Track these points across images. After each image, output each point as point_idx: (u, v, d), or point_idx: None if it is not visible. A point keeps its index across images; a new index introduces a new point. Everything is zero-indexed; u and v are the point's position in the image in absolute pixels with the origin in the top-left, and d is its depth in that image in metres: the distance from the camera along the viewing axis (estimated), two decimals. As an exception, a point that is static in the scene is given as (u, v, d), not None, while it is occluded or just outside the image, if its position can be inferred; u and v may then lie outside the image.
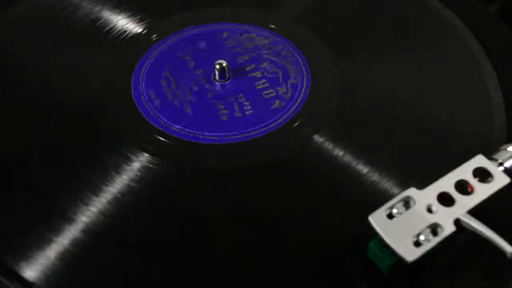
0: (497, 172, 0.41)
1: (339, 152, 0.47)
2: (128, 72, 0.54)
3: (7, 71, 0.55)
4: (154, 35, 0.57)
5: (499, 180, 0.41)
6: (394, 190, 0.45)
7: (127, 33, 0.57)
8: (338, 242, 0.43)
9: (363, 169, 0.46)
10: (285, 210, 0.45)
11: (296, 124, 0.49)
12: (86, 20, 0.58)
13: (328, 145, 0.48)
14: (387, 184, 0.45)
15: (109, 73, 0.54)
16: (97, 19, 0.58)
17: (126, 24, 0.58)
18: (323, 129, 0.49)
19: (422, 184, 0.41)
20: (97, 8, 0.59)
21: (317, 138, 0.48)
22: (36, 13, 0.60)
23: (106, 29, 0.57)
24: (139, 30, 0.57)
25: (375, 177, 0.46)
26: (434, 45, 0.56)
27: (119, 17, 0.58)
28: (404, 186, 0.42)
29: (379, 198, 0.42)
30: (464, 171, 0.41)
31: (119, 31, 0.57)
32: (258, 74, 0.53)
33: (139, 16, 0.58)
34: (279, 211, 0.45)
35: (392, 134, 0.49)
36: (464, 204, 0.40)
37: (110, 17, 0.58)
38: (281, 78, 0.53)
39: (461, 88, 0.52)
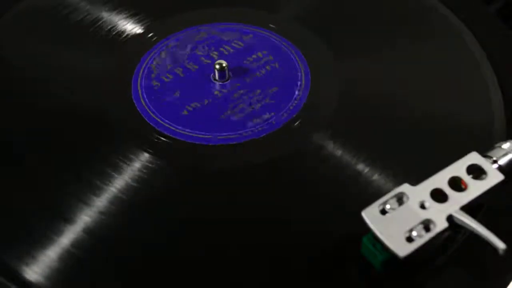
0: (491, 169, 0.43)
1: (338, 152, 0.49)
2: (128, 72, 0.55)
3: (7, 71, 0.57)
4: (154, 35, 0.59)
5: (493, 177, 0.42)
6: (394, 189, 0.45)
7: (127, 33, 0.59)
8: (338, 241, 0.44)
9: (363, 168, 0.48)
10: (284, 210, 0.46)
11: (296, 124, 0.51)
12: (86, 20, 0.60)
13: (328, 145, 0.49)
14: (386, 183, 0.47)
15: (109, 73, 0.55)
16: (97, 19, 0.60)
17: (126, 24, 0.60)
18: (323, 129, 0.50)
19: (422, 183, 0.43)
20: (97, 8, 0.61)
21: (317, 138, 0.50)
22: (36, 13, 0.62)
23: (106, 29, 0.59)
24: (139, 30, 0.59)
25: (374, 176, 0.47)
26: (434, 45, 0.57)
27: (119, 17, 0.60)
28: (404, 185, 0.44)
29: (378, 197, 0.42)
30: (458, 168, 0.43)
31: (119, 31, 0.59)
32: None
33: (139, 16, 0.60)
34: (278, 211, 0.46)
35: (391, 133, 0.51)
36: (457, 200, 0.41)
37: (110, 17, 0.60)
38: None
39: (461, 88, 0.54)
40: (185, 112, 0.52)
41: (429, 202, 0.41)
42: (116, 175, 0.48)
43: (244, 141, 0.50)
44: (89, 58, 0.57)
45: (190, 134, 0.51)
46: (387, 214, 0.41)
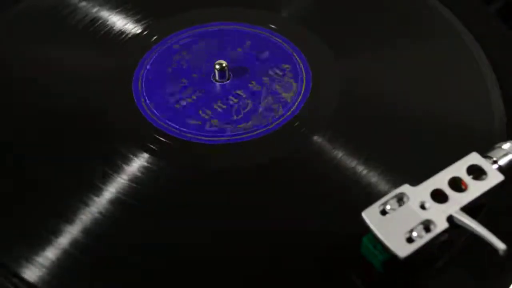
0: (491, 169, 0.43)
1: (338, 152, 0.49)
2: (128, 72, 0.55)
3: (7, 71, 0.57)
4: (154, 35, 0.59)
5: (493, 178, 0.42)
6: (394, 189, 0.45)
7: (127, 33, 0.59)
8: (338, 241, 0.44)
9: (363, 168, 0.48)
10: (284, 210, 0.46)
11: (296, 124, 0.51)
12: (86, 20, 0.60)
13: (328, 145, 0.49)
14: (386, 184, 0.47)
15: (109, 73, 0.55)
16: (97, 19, 0.60)
17: (126, 24, 0.60)
18: (323, 129, 0.50)
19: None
20: (97, 8, 0.61)
21: (317, 138, 0.50)
22: (36, 13, 0.62)
23: (106, 29, 0.59)
24: (139, 30, 0.59)
25: (374, 176, 0.47)
26: (434, 45, 0.57)
27: (119, 17, 0.60)
28: (404, 185, 0.44)
29: (379, 198, 0.42)
30: (458, 169, 0.43)
31: (119, 31, 0.59)
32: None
33: (139, 16, 0.60)
34: (278, 211, 0.46)
35: (391, 133, 0.51)
36: (457, 201, 0.41)
37: (110, 17, 0.60)
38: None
39: (461, 88, 0.54)
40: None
41: (429, 203, 0.41)
42: (116, 175, 0.48)
43: (244, 141, 0.50)
44: (89, 58, 0.57)
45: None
46: (387, 215, 0.41)
